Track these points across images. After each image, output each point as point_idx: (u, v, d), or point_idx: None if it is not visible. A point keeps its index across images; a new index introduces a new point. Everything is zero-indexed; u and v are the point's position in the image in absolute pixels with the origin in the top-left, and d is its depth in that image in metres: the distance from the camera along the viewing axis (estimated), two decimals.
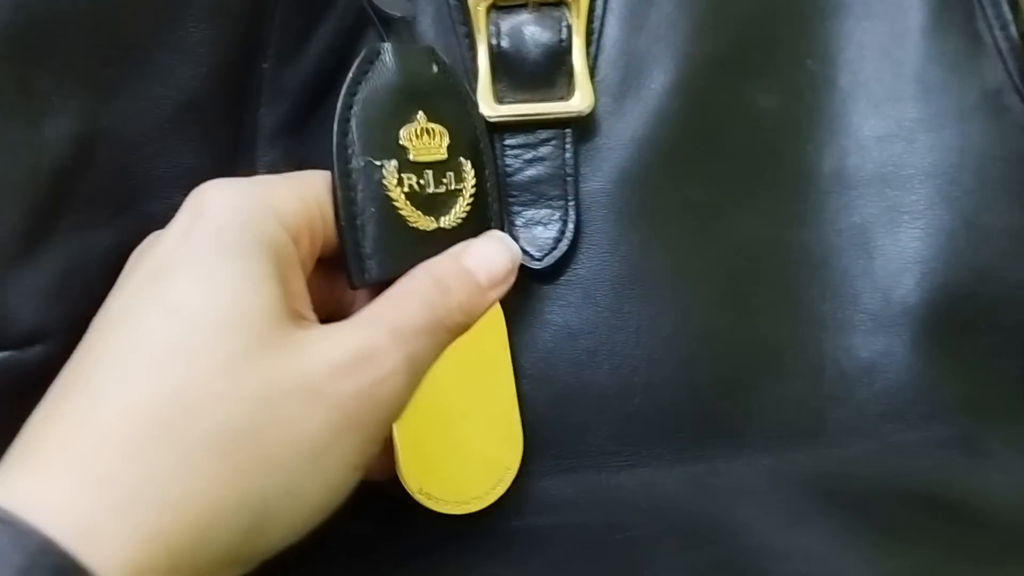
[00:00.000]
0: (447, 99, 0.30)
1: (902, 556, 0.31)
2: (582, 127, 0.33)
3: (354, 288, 0.28)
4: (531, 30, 0.32)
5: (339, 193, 0.27)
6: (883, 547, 0.31)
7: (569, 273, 0.33)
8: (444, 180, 0.30)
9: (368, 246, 0.28)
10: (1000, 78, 0.34)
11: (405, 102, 0.29)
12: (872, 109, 0.35)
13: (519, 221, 0.33)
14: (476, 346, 0.30)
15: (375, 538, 0.31)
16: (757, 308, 0.34)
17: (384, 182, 0.28)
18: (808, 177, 0.35)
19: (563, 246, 0.32)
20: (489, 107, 0.32)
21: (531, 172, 0.33)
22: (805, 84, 0.35)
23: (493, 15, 0.32)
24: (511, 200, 0.33)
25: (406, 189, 0.29)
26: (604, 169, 0.33)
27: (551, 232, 0.33)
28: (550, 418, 0.32)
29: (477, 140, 0.31)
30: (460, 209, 0.30)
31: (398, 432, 0.29)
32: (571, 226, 0.32)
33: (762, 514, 0.32)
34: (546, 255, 0.33)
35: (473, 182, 0.30)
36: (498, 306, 0.31)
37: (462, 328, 0.27)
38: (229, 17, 0.30)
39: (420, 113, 0.29)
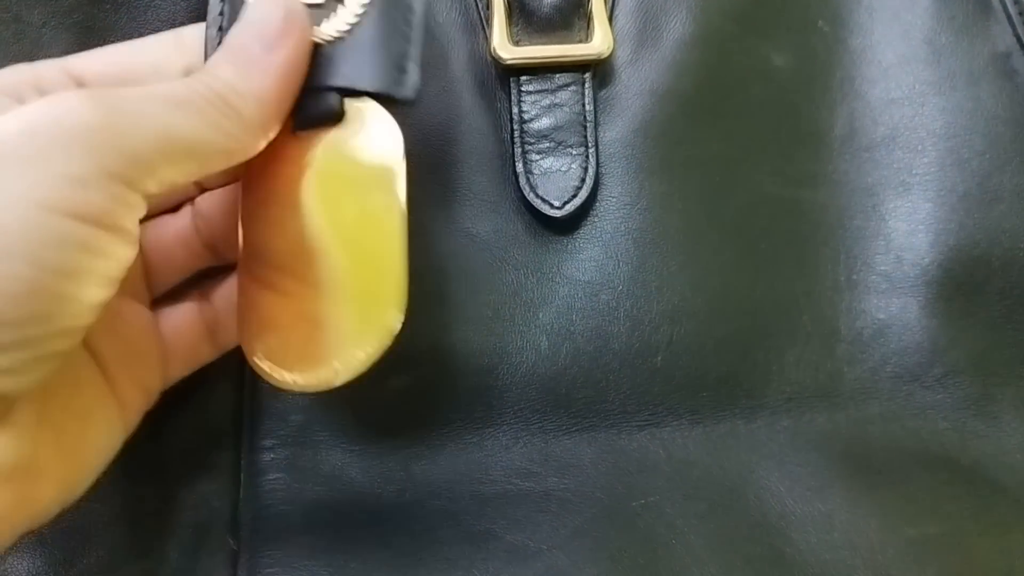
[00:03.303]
0: None
1: (923, 523, 0.31)
2: (600, 75, 0.32)
3: None
4: None
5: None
6: (904, 513, 0.31)
7: (589, 226, 0.32)
8: None
9: None
10: (1009, 41, 0.34)
11: None
12: (882, 72, 0.35)
13: (537, 170, 0.31)
14: (355, 202, 0.26)
15: (391, 505, 0.29)
16: (774, 268, 0.33)
17: None
18: (820, 137, 0.34)
19: (583, 194, 0.31)
20: (505, 49, 0.31)
21: (549, 119, 0.31)
22: (817, 45, 0.35)
23: None
24: (528, 148, 0.31)
25: None
26: (623, 118, 0.32)
27: (571, 180, 0.31)
28: (570, 375, 0.31)
29: None
30: (342, 20, 0.26)
31: (240, 291, 0.26)
32: (591, 172, 0.31)
33: (783, 477, 0.31)
34: (566, 203, 0.31)
35: None
36: (395, 158, 0.26)
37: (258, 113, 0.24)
38: None
39: None
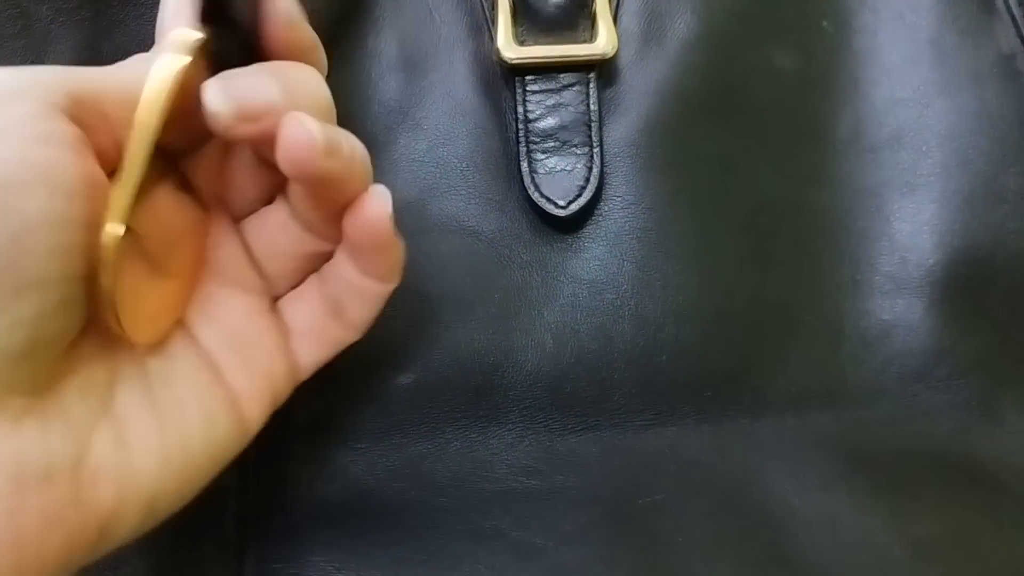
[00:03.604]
0: None
1: (927, 523, 0.30)
2: (605, 75, 0.32)
3: None
4: None
5: None
6: (908, 513, 0.31)
7: (593, 225, 0.32)
8: None
9: None
10: (1014, 43, 0.34)
11: None
12: (886, 73, 0.35)
13: (542, 169, 0.31)
14: None
15: (396, 503, 0.29)
16: (778, 268, 0.33)
17: None
18: (824, 138, 0.34)
19: (588, 193, 0.31)
20: (509, 49, 0.31)
21: (554, 118, 0.32)
22: (821, 45, 0.35)
23: None
24: (533, 147, 0.31)
25: None
26: (628, 117, 0.32)
27: (576, 179, 0.31)
28: (575, 373, 0.31)
29: None
30: None
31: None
32: (596, 172, 0.31)
33: (789, 476, 0.31)
34: (571, 202, 0.31)
35: None
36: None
37: None
38: None
39: None
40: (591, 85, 0.32)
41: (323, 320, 0.27)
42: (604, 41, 0.31)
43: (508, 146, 0.32)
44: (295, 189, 0.25)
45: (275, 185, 0.27)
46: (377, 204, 0.24)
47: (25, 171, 0.19)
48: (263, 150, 0.24)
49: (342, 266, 0.26)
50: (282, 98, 0.23)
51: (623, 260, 0.32)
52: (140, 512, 0.23)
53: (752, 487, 0.31)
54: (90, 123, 0.21)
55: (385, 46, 0.32)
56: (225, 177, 0.26)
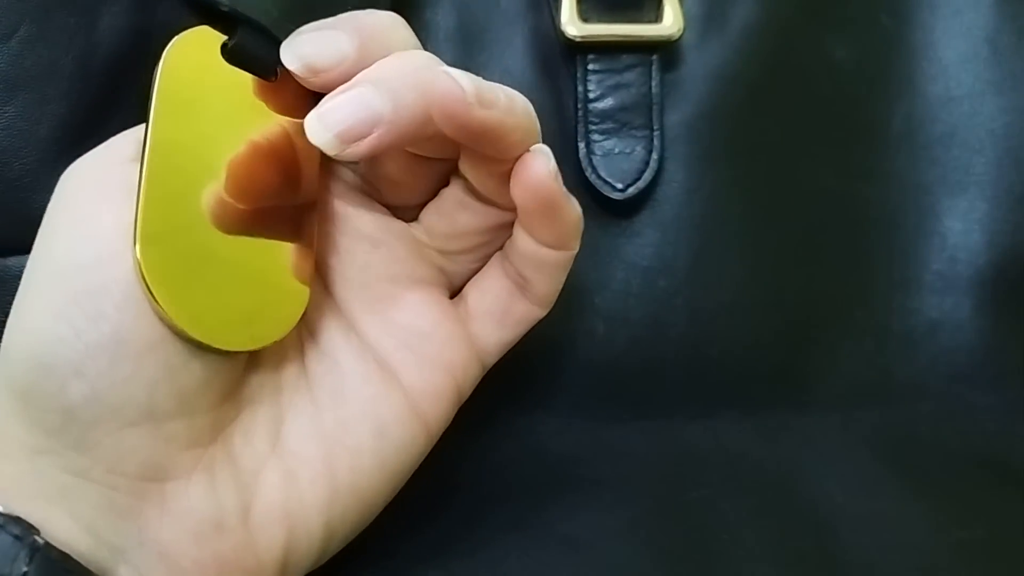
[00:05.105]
0: None
1: (970, 525, 0.30)
2: (666, 58, 0.31)
3: None
4: None
5: None
6: (953, 516, 0.30)
7: (649, 210, 0.31)
8: None
9: None
10: None
11: None
12: (942, 69, 0.34)
13: (599, 151, 0.31)
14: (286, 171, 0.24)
15: (439, 488, 0.28)
16: (829, 261, 0.33)
17: None
18: (878, 133, 0.34)
19: (647, 177, 0.30)
20: (574, 25, 0.30)
21: (615, 99, 0.31)
22: (879, 39, 0.34)
23: None
24: (592, 128, 0.31)
25: None
26: (688, 102, 0.32)
27: (635, 162, 0.30)
28: (626, 361, 0.30)
29: None
30: None
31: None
32: (655, 156, 0.31)
33: (833, 475, 0.31)
34: (629, 186, 0.30)
35: None
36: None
37: None
38: None
39: None
40: (654, 67, 0.31)
41: (507, 298, 0.26)
42: (671, 22, 0.30)
43: (565, 126, 0.31)
44: (465, 157, 0.24)
45: (442, 172, 0.26)
46: (539, 163, 0.23)
47: None
48: (416, 143, 0.24)
49: (520, 238, 0.25)
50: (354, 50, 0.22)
51: (678, 248, 0.31)
52: (318, 541, 0.23)
53: (797, 483, 0.30)
54: None
55: (442, 18, 0.31)
56: (384, 180, 0.26)
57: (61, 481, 0.20)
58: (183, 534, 0.21)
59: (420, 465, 0.28)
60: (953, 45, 0.34)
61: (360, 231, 0.25)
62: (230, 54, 0.24)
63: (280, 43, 0.23)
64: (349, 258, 0.25)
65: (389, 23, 0.23)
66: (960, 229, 0.33)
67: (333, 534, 0.24)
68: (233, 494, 0.22)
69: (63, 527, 0.20)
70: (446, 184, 0.26)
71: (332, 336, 0.25)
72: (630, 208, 0.31)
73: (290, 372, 0.24)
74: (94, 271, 0.20)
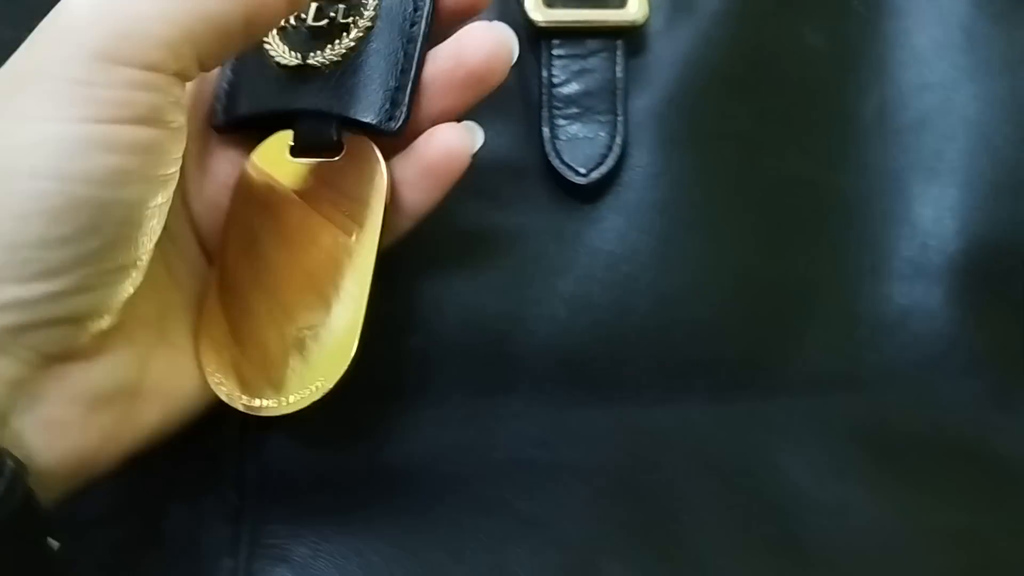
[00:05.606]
0: None
1: (939, 512, 0.30)
2: (632, 43, 0.32)
3: (218, 131, 0.27)
4: None
5: None
6: (919, 503, 0.30)
7: (613, 195, 0.31)
8: (330, 13, 0.27)
9: (224, 84, 0.27)
10: None
11: None
12: (915, 56, 0.34)
13: (563, 135, 0.31)
14: (332, 234, 0.27)
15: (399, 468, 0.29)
16: (797, 248, 0.33)
17: None
18: (850, 120, 0.34)
19: (609, 162, 0.30)
20: (538, 11, 0.30)
21: (579, 84, 0.31)
22: (851, 26, 0.34)
23: None
24: (556, 112, 0.31)
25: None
26: (654, 87, 0.32)
27: (598, 147, 0.31)
28: (588, 346, 0.30)
29: None
30: (340, 46, 0.26)
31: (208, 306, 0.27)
32: (619, 141, 0.31)
33: (800, 461, 0.31)
34: (592, 170, 0.30)
35: (372, 16, 0.27)
36: (378, 198, 0.26)
37: None
38: None
39: None
40: (618, 52, 0.31)
41: None
42: (635, 8, 0.31)
43: (530, 111, 0.31)
44: None
45: None
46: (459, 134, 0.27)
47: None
48: None
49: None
50: None
51: (642, 233, 0.31)
52: (176, 429, 0.26)
53: (762, 469, 0.30)
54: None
55: None
56: None
57: None
58: (75, 408, 0.22)
59: (378, 444, 0.28)
60: (927, 32, 0.34)
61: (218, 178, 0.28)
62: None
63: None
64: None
65: None
66: (931, 216, 0.33)
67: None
68: (129, 371, 0.24)
69: None
70: None
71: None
72: (594, 193, 0.31)
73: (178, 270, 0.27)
74: None
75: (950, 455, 0.31)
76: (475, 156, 0.27)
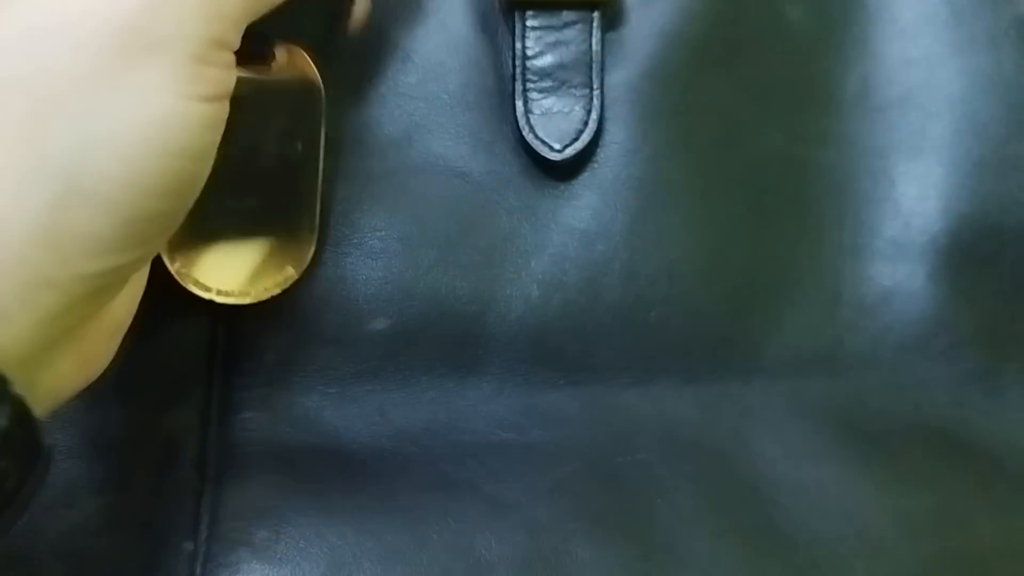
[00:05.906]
0: None
1: (917, 495, 0.29)
2: (609, 15, 0.31)
3: None
4: None
5: None
6: (898, 485, 0.30)
7: (588, 172, 0.30)
8: None
9: None
10: None
11: None
12: (899, 31, 0.33)
13: (537, 109, 0.30)
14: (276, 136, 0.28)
15: (365, 449, 0.28)
16: (777, 227, 0.32)
17: None
18: (832, 96, 0.33)
19: (585, 137, 0.30)
20: None
21: (553, 57, 0.30)
22: (834, 0, 0.33)
23: None
24: (530, 86, 0.30)
25: None
26: (631, 61, 0.31)
27: (573, 122, 0.30)
28: (560, 326, 0.30)
29: None
30: None
31: None
32: (594, 116, 0.30)
33: (776, 443, 0.30)
34: (567, 146, 0.30)
35: None
36: (315, 98, 0.28)
37: None
38: None
39: None
40: (594, 24, 0.30)
41: None
42: None
43: (503, 84, 0.30)
44: None
45: None
46: None
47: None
48: None
49: None
50: None
51: (617, 210, 0.30)
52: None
53: (738, 452, 0.30)
54: None
55: None
56: None
57: None
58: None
59: (344, 426, 0.28)
60: (911, 6, 0.33)
61: None
62: None
63: None
64: None
65: None
66: (915, 195, 0.32)
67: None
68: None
69: None
70: None
71: None
72: (568, 170, 0.30)
73: None
74: None
75: (931, 438, 0.31)
76: None
